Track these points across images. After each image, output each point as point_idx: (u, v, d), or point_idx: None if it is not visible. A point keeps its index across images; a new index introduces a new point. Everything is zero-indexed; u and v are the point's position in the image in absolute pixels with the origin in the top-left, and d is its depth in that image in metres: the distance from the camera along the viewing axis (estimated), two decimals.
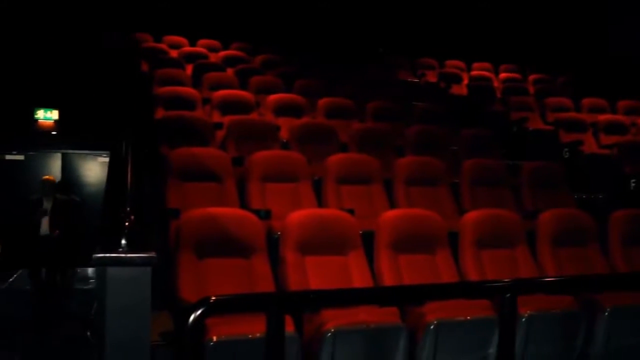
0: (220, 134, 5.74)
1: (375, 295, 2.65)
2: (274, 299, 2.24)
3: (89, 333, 2.87)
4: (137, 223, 2.13)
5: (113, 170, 2.96)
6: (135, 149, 3.01)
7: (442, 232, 3.96)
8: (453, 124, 7.23)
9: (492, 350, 3.37)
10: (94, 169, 10.17)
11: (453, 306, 3.42)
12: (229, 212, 3.54)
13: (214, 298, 2.12)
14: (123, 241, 2.00)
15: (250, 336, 2.87)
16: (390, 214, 3.92)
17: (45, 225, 8.16)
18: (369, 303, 2.97)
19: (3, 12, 7.41)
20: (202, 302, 2.11)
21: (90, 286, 9.91)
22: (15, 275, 9.08)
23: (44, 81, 8.30)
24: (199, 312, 2.08)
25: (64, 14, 8.55)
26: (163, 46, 9.47)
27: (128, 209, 2.28)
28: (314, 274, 3.53)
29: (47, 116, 8.93)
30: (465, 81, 10.51)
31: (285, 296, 2.27)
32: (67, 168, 10.08)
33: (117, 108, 6.78)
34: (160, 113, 5.85)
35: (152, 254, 1.98)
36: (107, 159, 10.13)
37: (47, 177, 8.47)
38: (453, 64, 11.29)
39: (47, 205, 8.19)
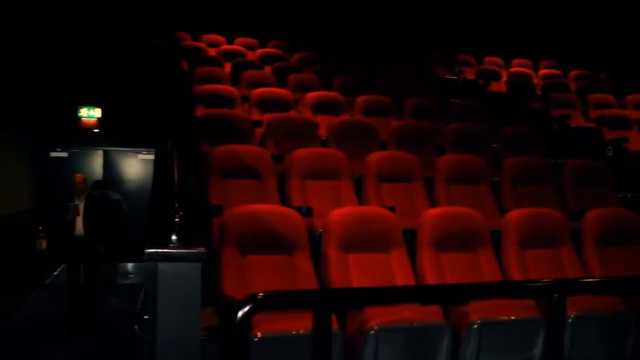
0: (259, 131, 5.77)
1: (420, 294, 2.62)
2: (322, 296, 2.24)
3: (136, 327, 2.91)
4: (186, 219, 2.15)
5: (159, 166, 3.00)
6: (180, 146, 3.04)
7: (485, 230, 3.91)
8: (492, 121, 7.15)
9: (537, 351, 3.32)
10: (134, 166, 10.33)
11: (496, 306, 3.38)
12: (272, 209, 3.55)
13: (261, 294, 2.13)
14: (173, 237, 2.02)
15: (294, 332, 2.88)
16: (433, 211, 3.89)
17: (79, 225, 7.75)
18: (413, 301, 2.95)
19: (49, 14, 7.56)
20: (250, 299, 2.12)
21: (129, 281, 10.09)
22: (59, 269, 9.25)
23: (87, 80, 8.44)
24: (246, 308, 2.09)
25: (107, 14, 8.69)
26: (201, 45, 9.57)
27: (176, 205, 2.30)
28: (356, 271, 3.52)
29: (90, 114, 9.11)
30: (504, 78, 10.38)
31: (333, 294, 2.27)
32: (109, 165, 10.25)
33: (158, 106, 6.88)
34: (200, 111, 5.90)
35: (202, 250, 1.99)
36: (146, 156, 10.30)
37: (78, 175, 8.08)
38: (491, 61, 11.15)
39: (79, 204, 7.77)
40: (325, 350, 2.16)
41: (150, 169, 10.29)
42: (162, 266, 1.98)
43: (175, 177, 2.58)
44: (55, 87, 8.39)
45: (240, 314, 2.07)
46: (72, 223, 7.62)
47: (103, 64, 8.21)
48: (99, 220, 7.90)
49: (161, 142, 3.28)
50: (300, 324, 2.85)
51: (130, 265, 10.28)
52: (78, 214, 7.65)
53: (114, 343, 6.71)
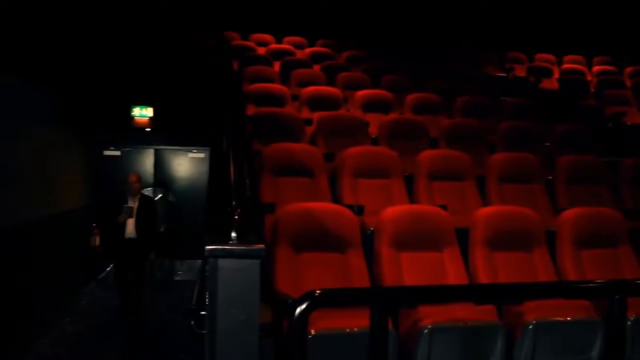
0: (309, 129, 5.80)
1: (477, 292, 2.61)
2: (380, 294, 2.24)
3: (192, 322, 2.96)
4: (245, 216, 2.18)
5: (216, 165, 3.04)
6: (235, 144, 3.08)
7: (540, 229, 3.85)
8: (544, 119, 7.03)
9: (594, 353, 3.25)
10: (184, 164, 10.49)
11: (552, 306, 3.33)
12: (326, 207, 3.57)
13: (319, 292, 2.15)
14: (233, 234, 2.05)
15: (347, 330, 2.89)
16: (486, 210, 3.86)
17: (130, 227, 7.29)
18: (470, 300, 2.93)
19: (102, 16, 7.74)
20: (308, 296, 2.14)
21: (179, 277, 10.26)
22: (112, 265, 9.46)
23: (140, 80, 8.61)
24: (304, 305, 2.11)
25: (158, 14, 8.86)
26: (250, 44, 9.67)
27: (234, 202, 2.34)
28: (409, 270, 3.52)
29: (142, 113, 9.28)
30: (556, 75, 10.19)
31: (391, 292, 2.27)
32: (159, 163, 10.43)
33: (209, 105, 6.98)
34: (251, 109, 5.97)
35: (262, 247, 2.02)
36: (197, 155, 10.45)
37: (132, 174, 7.63)
38: (543, 58, 10.96)
39: (131, 205, 7.31)
40: (381, 348, 2.17)
41: (199, 167, 10.44)
42: (222, 262, 2.01)
43: (232, 175, 2.62)
44: (109, 87, 8.59)
45: (298, 311, 2.09)
46: (123, 224, 7.26)
47: (155, 63, 8.37)
48: (152, 224, 7.51)
49: (216, 140, 3.33)
50: (352, 321, 2.87)
51: (179, 263, 10.46)
52: (131, 216, 7.27)
53: (165, 337, 6.84)
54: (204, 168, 10.39)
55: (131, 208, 7.26)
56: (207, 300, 2.74)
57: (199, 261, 10.39)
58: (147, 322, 7.37)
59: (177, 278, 10.34)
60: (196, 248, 9.86)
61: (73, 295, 8.43)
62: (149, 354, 6.22)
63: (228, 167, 2.75)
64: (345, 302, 2.31)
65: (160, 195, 10.28)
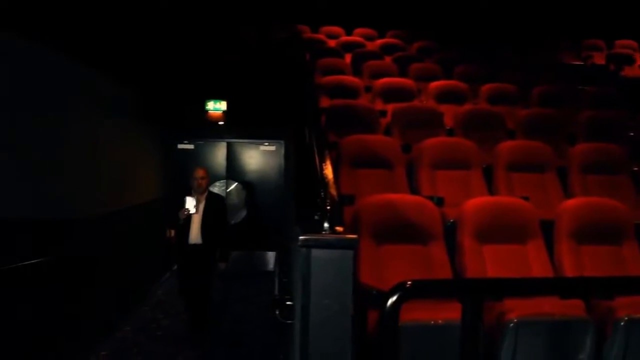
0: (383, 121, 5.78)
1: (569, 286, 2.54)
2: (473, 285, 2.22)
3: (277, 312, 3.00)
4: (335, 207, 2.19)
5: (300, 156, 3.07)
6: (318, 136, 3.10)
7: (629, 222, 3.71)
8: (627, 108, 6.77)
9: None
10: (256, 157, 10.63)
11: None
12: (407, 199, 3.54)
13: (410, 283, 2.14)
14: (326, 224, 2.07)
15: (432, 322, 2.86)
16: (572, 202, 3.75)
17: (195, 231, 6.24)
18: (561, 294, 2.85)
19: (178, 11, 7.91)
20: (399, 287, 2.13)
21: (252, 269, 10.42)
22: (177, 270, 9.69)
23: (215, 74, 8.75)
24: (395, 297, 2.10)
25: (231, 8, 8.98)
26: (321, 36, 9.69)
27: (322, 193, 2.35)
28: (492, 262, 3.46)
29: (216, 107, 9.45)
30: (639, 62, 9.78)
31: (483, 283, 2.24)
32: (232, 156, 10.61)
33: (283, 98, 7.04)
34: (325, 102, 5.98)
35: (355, 237, 2.02)
36: (268, 148, 10.58)
37: (199, 168, 6.55)
38: (623, 44, 10.54)
39: (195, 204, 6.22)
40: (474, 340, 2.14)
41: (271, 160, 10.56)
42: (316, 252, 2.02)
43: (318, 167, 2.63)
44: (185, 81, 8.77)
45: (389, 302, 2.09)
46: (187, 227, 6.21)
47: (229, 57, 8.49)
48: (221, 227, 6.42)
49: (298, 132, 3.36)
50: (436, 314, 2.84)
51: (251, 255, 10.62)
52: (195, 212, 6.20)
53: (240, 326, 6.95)
54: (276, 161, 10.51)
55: (190, 202, 6.18)
56: (294, 290, 2.77)
57: (269, 253, 10.61)
58: (222, 312, 7.50)
59: (251, 270, 10.50)
60: (268, 240, 10.00)
61: (150, 284, 8.68)
62: (225, 342, 6.34)
63: (313, 159, 2.76)
64: (437, 293, 2.29)
65: (232, 188, 10.46)
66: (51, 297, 4.96)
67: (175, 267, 7.10)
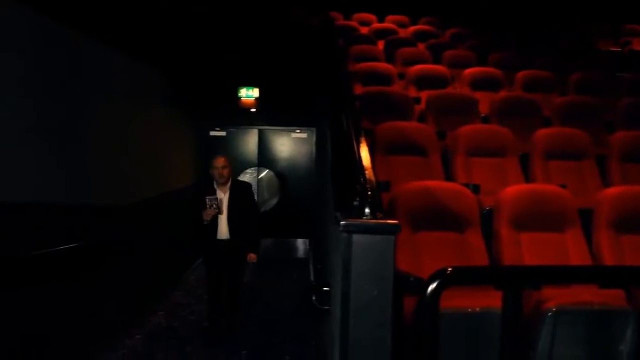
0: (417, 108, 5.74)
1: (609, 275, 2.49)
2: (514, 273, 2.19)
3: (314, 298, 3.01)
4: (376, 193, 2.18)
5: (337, 143, 3.06)
6: (356, 123, 3.09)
7: None
8: None
9: None
10: (287, 144, 10.65)
11: None
12: (444, 186, 3.52)
13: (451, 270, 2.12)
14: (367, 210, 2.06)
15: (470, 310, 2.85)
16: (612, 191, 3.68)
17: (223, 226, 5.62)
18: (606, 283, 2.80)
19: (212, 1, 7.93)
20: (440, 274, 2.12)
21: (284, 256, 10.47)
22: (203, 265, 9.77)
23: (248, 61, 8.77)
24: (436, 283, 2.10)
25: None
26: (353, 24, 9.65)
27: (362, 179, 2.34)
28: (529, 250, 3.42)
29: (249, 94, 9.48)
30: None
31: (526, 271, 2.21)
32: (263, 143, 10.64)
33: (318, 85, 7.04)
34: (358, 89, 5.96)
35: (397, 223, 2.02)
36: (299, 135, 10.59)
37: (219, 157, 5.76)
38: None
39: (220, 196, 5.64)
40: (515, 328, 2.12)
41: (302, 147, 10.58)
42: (357, 238, 2.02)
43: (357, 153, 2.63)
44: (218, 69, 8.81)
45: (430, 289, 2.08)
46: (212, 222, 5.57)
47: (262, 45, 8.49)
48: (252, 218, 5.76)
49: (335, 119, 3.35)
50: (474, 302, 2.83)
51: (283, 242, 10.68)
52: (220, 212, 5.59)
53: (272, 313, 6.99)
54: (307, 148, 10.52)
55: (218, 200, 5.57)
56: (331, 276, 2.78)
57: (300, 240, 10.66)
58: (254, 299, 7.55)
59: (282, 257, 10.57)
60: (300, 228, 10.03)
61: (183, 271, 8.78)
62: (257, 328, 6.39)
63: (351, 145, 2.75)
64: (478, 280, 2.27)
65: (263, 175, 10.51)
66: (85, 282, 5.05)
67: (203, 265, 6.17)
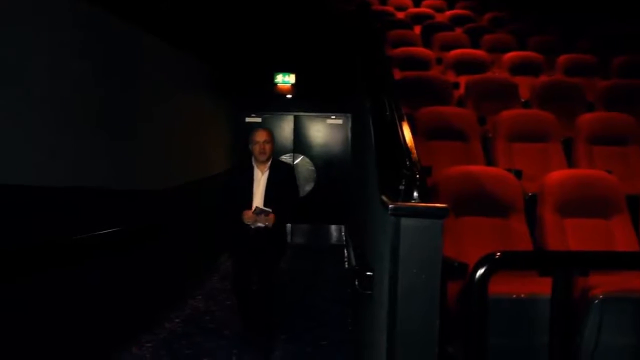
0: (456, 93, 5.68)
1: None
2: (564, 258, 2.16)
3: (356, 282, 3.01)
4: (423, 176, 2.16)
5: (380, 127, 3.04)
6: (398, 108, 3.07)
7: None
8: None
9: None
10: (322, 130, 10.63)
11: None
12: (487, 171, 3.49)
13: (499, 254, 2.10)
14: (415, 193, 2.04)
15: (514, 296, 2.82)
16: None
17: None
18: None
19: None
20: (488, 259, 2.10)
21: (319, 243, 10.50)
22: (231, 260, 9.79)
23: (283, 47, 8.77)
24: (484, 268, 2.08)
25: None
26: (389, 8, 9.58)
27: (408, 163, 2.32)
28: (574, 236, 3.37)
29: (285, 80, 9.48)
30: None
31: (575, 256, 2.18)
32: (298, 129, 10.64)
33: (352, 70, 7.00)
34: (396, 74, 5.91)
35: (445, 206, 2.00)
36: (334, 121, 10.56)
37: (259, 130, 4.98)
38: None
39: (257, 177, 4.83)
40: (565, 314, 2.09)
41: (337, 133, 10.55)
42: (405, 221, 2.01)
43: (401, 136, 2.61)
44: (254, 55, 8.82)
45: (478, 274, 2.07)
46: (245, 208, 4.69)
47: (298, 30, 8.48)
48: (291, 206, 4.90)
49: (376, 103, 3.33)
50: (519, 287, 2.80)
51: (317, 228, 10.72)
52: (266, 224, 4.65)
53: (309, 300, 7.02)
54: (342, 134, 10.49)
55: (266, 215, 4.62)
56: (375, 260, 2.76)
57: (333, 226, 10.66)
58: (289, 284, 7.58)
59: (316, 243, 10.59)
60: (334, 214, 9.99)
61: (219, 255, 8.85)
62: (292, 314, 6.42)
63: (394, 129, 2.73)
64: (526, 265, 2.25)
65: (299, 161, 10.52)
66: (125, 266, 5.12)
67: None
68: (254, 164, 4.90)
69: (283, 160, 10.45)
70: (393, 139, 2.59)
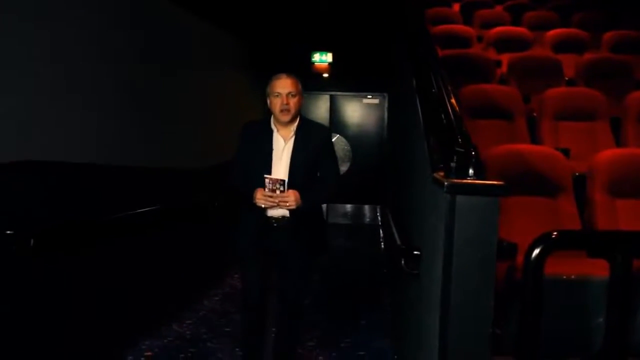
0: (498, 71, 5.57)
1: None
2: (624, 238, 2.10)
3: (403, 262, 2.99)
4: (478, 154, 2.12)
5: (427, 103, 2.99)
6: (446, 84, 3.01)
7: None
8: None
9: None
10: (358, 110, 10.56)
11: None
12: (535, 150, 3.42)
13: (556, 234, 2.06)
14: (471, 170, 2.01)
15: (564, 277, 2.76)
16: None
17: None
18: None
19: None
20: (544, 238, 2.06)
21: (354, 222, 10.48)
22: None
23: (321, 25, 8.69)
24: (540, 247, 2.04)
25: None
26: None
27: (460, 139, 2.28)
28: (625, 217, 3.28)
29: (322, 59, 9.41)
30: None
31: (636, 237, 2.12)
32: (334, 109, 10.58)
33: (389, 49, 6.91)
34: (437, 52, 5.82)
35: (502, 184, 1.95)
36: (371, 101, 10.48)
37: (282, 76, 3.45)
38: None
39: (279, 145, 3.42)
40: (625, 296, 2.04)
41: (373, 113, 10.47)
42: (461, 199, 1.97)
43: (451, 113, 2.56)
44: (291, 33, 8.76)
45: (534, 253, 2.04)
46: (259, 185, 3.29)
47: (335, 8, 8.39)
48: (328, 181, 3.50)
49: (424, 80, 3.27)
50: (569, 268, 2.74)
51: (353, 208, 10.70)
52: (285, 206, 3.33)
53: (346, 279, 7.02)
54: (378, 114, 10.41)
55: (283, 184, 3.25)
56: (423, 239, 2.73)
57: (368, 206, 10.61)
58: (325, 264, 7.55)
59: (352, 223, 10.58)
60: (369, 193, 9.94)
61: None
62: (329, 294, 6.41)
63: (445, 106, 2.69)
64: (584, 245, 2.20)
65: (335, 140, 10.48)
66: (166, 244, 5.17)
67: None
68: (273, 126, 3.45)
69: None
70: (443, 116, 2.54)
